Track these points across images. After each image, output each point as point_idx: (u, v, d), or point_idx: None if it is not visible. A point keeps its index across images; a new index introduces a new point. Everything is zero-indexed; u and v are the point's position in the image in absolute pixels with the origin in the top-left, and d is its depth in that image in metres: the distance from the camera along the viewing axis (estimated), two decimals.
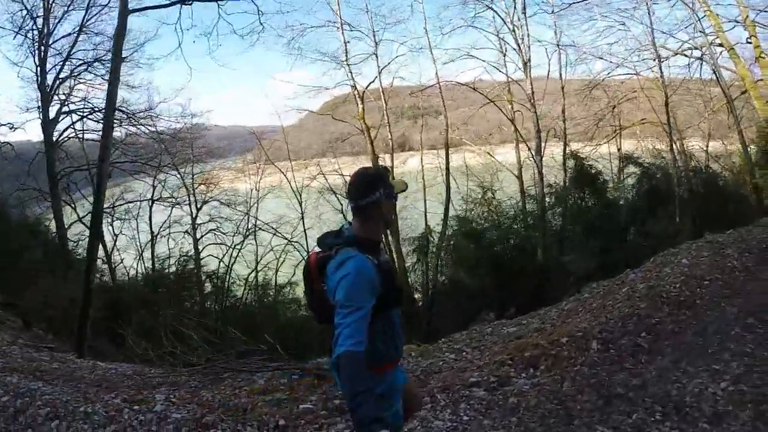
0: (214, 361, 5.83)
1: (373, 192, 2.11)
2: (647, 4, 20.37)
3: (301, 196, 21.72)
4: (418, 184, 20.67)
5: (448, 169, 20.70)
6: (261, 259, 20.52)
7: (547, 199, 18.03)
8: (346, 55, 20.33)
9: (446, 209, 19.71)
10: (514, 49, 20.46)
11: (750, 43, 19.02)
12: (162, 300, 14.27)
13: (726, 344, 5.71)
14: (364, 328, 1.83)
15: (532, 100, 19.44)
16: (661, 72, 19.34)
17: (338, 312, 1.88)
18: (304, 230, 20.92)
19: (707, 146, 20.83)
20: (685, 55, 21.03)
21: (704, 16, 19.42)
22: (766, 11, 18.79)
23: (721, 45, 19.64)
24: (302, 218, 21.37)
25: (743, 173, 18.19)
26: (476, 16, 20.68)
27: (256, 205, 22.20)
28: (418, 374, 5.61)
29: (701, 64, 20.01)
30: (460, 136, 23.72)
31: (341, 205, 20.40)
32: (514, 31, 20.03)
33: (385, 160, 21.01)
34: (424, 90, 22.78)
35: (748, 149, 18.89)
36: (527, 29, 20.00)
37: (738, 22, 19.42)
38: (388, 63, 21.19)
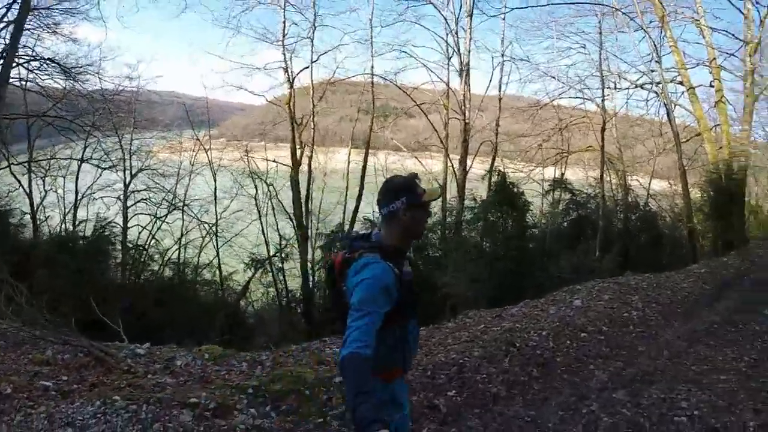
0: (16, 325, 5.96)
1: (393, 201, 2.19)
2: (614, 32, 20.33)
3: (215, 177, 20.50)
4: (341, 181, 20.38)
5: (364, 169, 19.60)
6: (184, 236, 19.47)
7: (467, 215, 16.92)
8: (283, 36, 18.88)
9: (355, 211, 18.81)
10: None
11: (713, 86, 18.60)
12: (69, 264, 13.84)
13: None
14: (372, 332, 1.87)
15: (462, 107, 18.27)
16: (603, 100, 19.12)
17: (351, 314, 1.93)
18: (216, 213, 19.76)
19: (649, 183, 20.25)
20: (643, 88, 20.59)
21: (669, 52, 19.04)
22: (735, 55, 18.36)
23: (681, 83, 19.26)
24: (215, 200, 20.04)
25: (683, 217, 16.86)
26: (410, 8, 19.82)
27: (188, 179, 20.97)
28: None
29: (659, 100, 19.54)
30: (391, 137, 22.46)
31: (255, 190, 19.68)
32: (456, 33, 18.73)
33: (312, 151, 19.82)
34: (355, 83, 21.58)
35: (691, 193, 18.66)
36: (469, 33, 18.80)
37: (704, 63, 18.97)
38: (327, 51, 20.01)
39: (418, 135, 23.61)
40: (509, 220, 15.20)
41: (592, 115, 21.06)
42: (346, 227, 18.12)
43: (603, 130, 18.31)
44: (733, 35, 18.00)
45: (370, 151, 20.58)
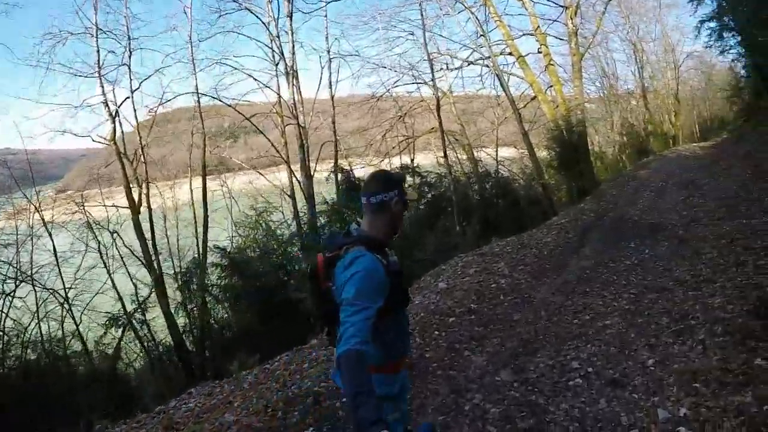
0: None
1: (388, 191, 2.18)
2: (439, 16, 20.44)
3: (52, 238, 17.20)
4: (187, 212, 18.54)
5: (204, 196, 17.70)
6: (40, 309, 16.08)
7: (322, 220, 15.95)
8: (99, 67, 16.36)
9: (204, 241, 16.95)
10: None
11: (540, 53, 19.45)
12: None
13: None
14: (369, 328, 1.83)
15: (294, 112, 17.07)
16: (434, 81, 18.65)
17: (344, 309, 1.88)
18: (62, 278, 16.52)
19: (497, 152, 20.42)
20: (475, 64, 21.13)
21: (495, 27, 19.65)
22: (558, 21, 19.36)
23: (510, 54, 19.85)
24: (57, 264, 16.75)
25: (534, 175, 17.21)
26: (222, 16, 17.98)
27: (31, 245, 17.29)
28: None
29: (492, 74, 19.95)
30: (229, 157, 21.13)
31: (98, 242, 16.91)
32: (279, 36, 17.44)
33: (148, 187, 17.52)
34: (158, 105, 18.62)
35: (537, 153, 19.24)
36: (292, 35, 17.58)
37: (529, 33, 19.84)
38: (149, 76, 17.86)
39: (270, 150, 22.02)
40: (359, 217, 14.07)
41: (430, 98, 20.97)
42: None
43: (438, 109, 18.00)
44: (554, 2, 19.04)
45: (222, 175, 19.46)
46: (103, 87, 16.29)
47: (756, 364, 4.32)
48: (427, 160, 21.59)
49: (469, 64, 21.14)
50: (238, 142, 25.73)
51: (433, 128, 20.13)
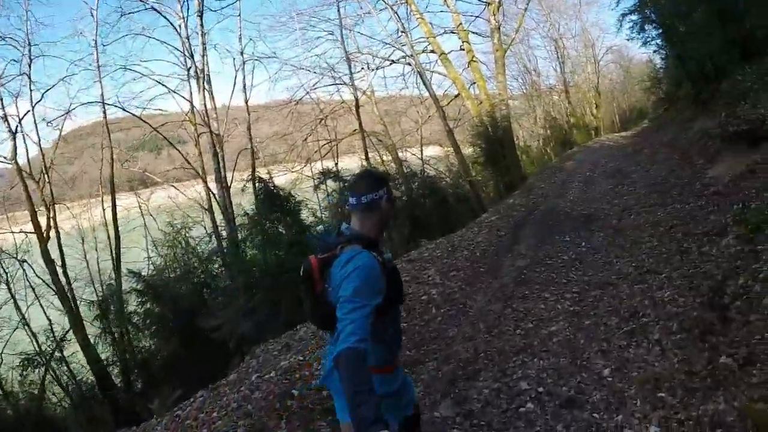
0: None
1: (377, 190, 2.16)
2: (360, 15, 20.02)
3: None
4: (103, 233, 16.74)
5: (114, 212, 16.28)
6: None
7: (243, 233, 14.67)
8: None
9: (117, 261, 15.59)
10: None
11: (463, 50, 19.29)
12: None
13: None
14: (368, 326, 1.81)
15: (206, 118, 15.91)
16: (352, 81, 17.79)
17: (342, 306, 1.86)
18: None
19: (421, 151, 20.14)
20: (397, 62, 20.72)
21: (417, 25, 19.37)
22: (481, 17, 19.35)
23: (433, 52, 19.59)
24: None
25: (461, 172, 16.85)
26: (124, 16, 16.53)
27: None
28: None
29: (415, 72, 19.63)
30: (143, 169, 19.56)
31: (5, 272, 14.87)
32: (189, 38, 16.17)
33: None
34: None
35: (463, 150, 19.16)
36: (202, 35, 16.32)
37: (451, 30, 19.72)
38: (53, 86, 16.79)
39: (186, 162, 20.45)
40: (281, 227, 13.21)
41: (351, 100, 20.35)
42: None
43: (357, 110, 17.42)
44: None
45: (138, 191, 18.30)
46: (1, 100, 14.62)
47: (722, 362, 3.83)
48: (353, 163, 20.92)
49: (391, 63, 20.68)
50: (162, 155, 24.52)
51: (355, 130, 19.41)
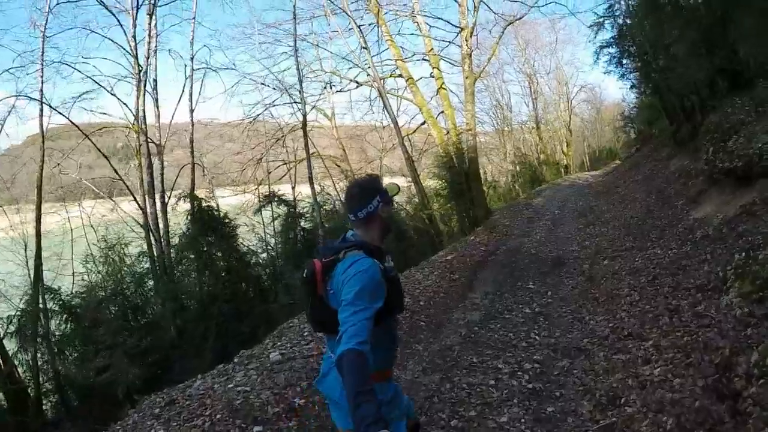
0: None
1: (370, 200, 2.14)
2: (331, 34, 18.89)
3: None
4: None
5: (38, 219, 13.63)
6: None
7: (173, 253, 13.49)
8: None
9: (36, 280, 12.93)
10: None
11: (432, 76, 18.10)
12: None
13: None
14: (369, 328, 1.79)
15: (143, 126, 14.11)
16: (302, 95, 15.99)
17: (344, 309, 1.84)
18: None
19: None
20: (359, 83, 19.21)
21: (386, 48, 18.20)
22: (453, 43, 18.11)
23: (401, 76, 18.28)
24: None
25: (421, 206, 15.52)
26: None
27: None
28: None
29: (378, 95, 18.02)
30: (79, 178, 16.72)
31: None
32: (135, 37, 14.19)
33: None
34: None
35: (426, 181, 18.00)
36: (149, 35, 14.30)
37: (423, 57, 18.49)
38: None
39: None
40: (216, 251, 11.65)
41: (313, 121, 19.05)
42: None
43: (305, 129, 15.57)
44: (449, 22, 17.80)
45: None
46: None
47: None
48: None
49: (357, 86, 19.35)
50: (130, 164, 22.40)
51: (313, 153, 17.89)
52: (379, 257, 2.07)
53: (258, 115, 18.05)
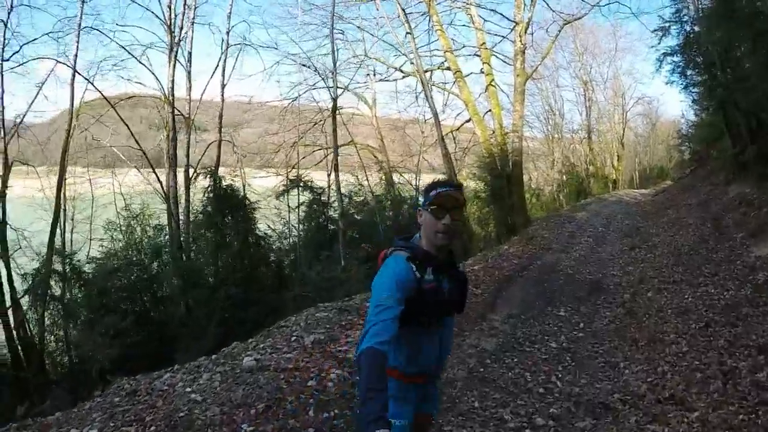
0: None
1: (420, 205, 2.10)
2: (379, 20, 17.86)
3: None
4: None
5: (60, 183, 13.55)
6: None
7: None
8: None
9: (51, 236, 12.86)
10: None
11: (482, 72, 16.93)
12: None
13: None
14: (391, 328, 1.77)
15: (168, 96, 13.55)
16: (335, 78, 15.05)
17: (371, 307, 1.87)
18: None
19: (417, 177, 17.84)
20: (402, 71, 18.58)
21: (436, 39, 17.06)
22: (507, 38, 16.97)
23: (449, 69, 17.15)
24: None
25: None
26: None
27: None
28: None
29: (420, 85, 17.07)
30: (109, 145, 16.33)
31: None
32: (171, 6, 13.73)
33: None
34: None
35: (466, 180, 16.88)
36: (185, 9, 13.81)
37: (475, 52, 17.42)
38: (32, 40, 13.13)
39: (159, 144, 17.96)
40: (232, 232, 11.10)
41: (356, 108, 18.51)
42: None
43: (334, 114, 14.55)
44: (504, 16, 16.65)
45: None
46: None
47: None
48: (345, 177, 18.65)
49: (403, 76, 18.58)
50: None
51: (351, 142, 17.16)
52: (425, 264, 1.98)
53: (295, 98, 17.27)
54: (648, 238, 11.22)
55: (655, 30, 14.42)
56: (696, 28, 13.08)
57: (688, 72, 13.82)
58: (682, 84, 14.39)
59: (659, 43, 14.49)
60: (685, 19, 13.62)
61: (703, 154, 20.08)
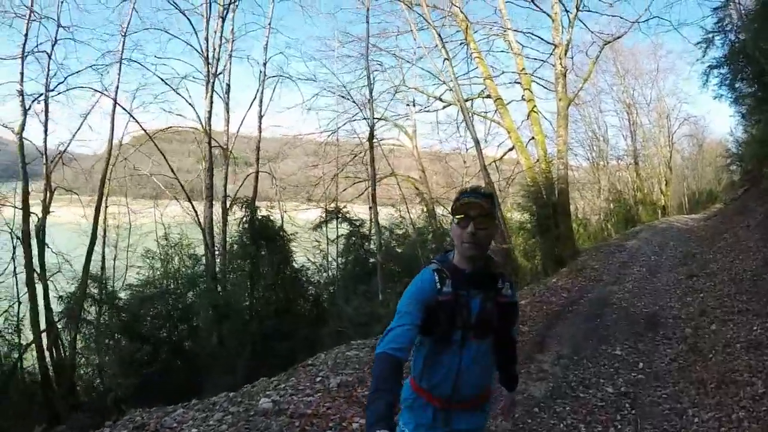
0: None
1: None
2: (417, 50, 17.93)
3: None
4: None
5: (97, 210, 13.73)
6: None
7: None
8: (24, 53, 12.56)
9: (87, 261, 12.79)
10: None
11: (524, 99, 16.48)
12: None
13: None
14: (407, 337, 1.77)
15: (205, 126, 13.56)
16: (371, 106, 14.59)
17: (395, 315, 1.86)
18: None
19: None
20: (442, 100, 18.20)
21: (475, 68, 16.81)
22: (547, 62, 16.51)
23: (489, 96, 16.74)
24: None
25: (500, 239, 14.16)
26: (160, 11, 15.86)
27: None
28: None
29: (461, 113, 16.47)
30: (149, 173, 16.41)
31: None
32: (208, 39, 13.94)
33: None
34: None
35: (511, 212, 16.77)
36: (220, 38, 13.98)
37: (513, 72, 17.10)
38: (76, 72, 13.82)
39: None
40: (267, 264, 10.88)
41: (397, 140, 18.34)
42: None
43: (371, 142, 14.28)
44: (542, 39, 16.33)
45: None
46: (21, 75, 12.68)
47: None
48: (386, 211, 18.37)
49: (444, 106, 18.31)
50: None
51: (392, 173, 16.94)
52: (454, 277, 1.93)
53: (335, 131, 17.27)
54: (705, 265, 10.47)
55: (698, 42, 13.79)
56: (741, 36, 12.39)
57: (737, 84, 13.08)
58: (731, 98, 13.66)
59: (704, 56, 13.81)
60: (728, 28, 12.98)
61: (755, 173, 19.07)
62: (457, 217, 1.92)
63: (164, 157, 13.37)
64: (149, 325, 11.15)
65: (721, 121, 65.56)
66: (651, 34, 26.69)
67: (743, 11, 12.21)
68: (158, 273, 12.96)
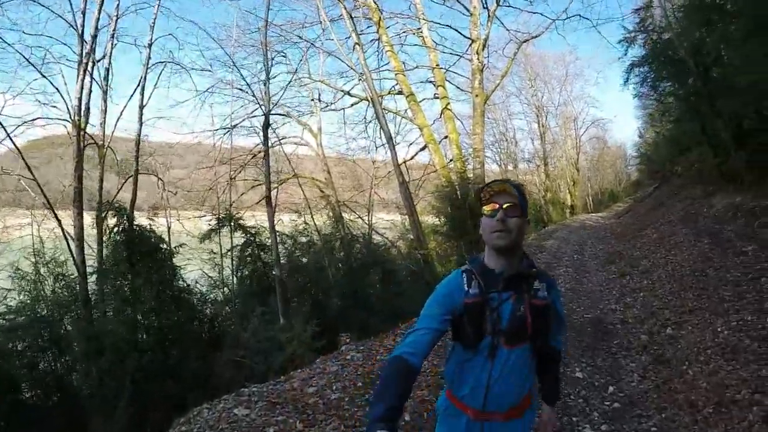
0: None
1: None
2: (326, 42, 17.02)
3: None
4: None
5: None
6: None
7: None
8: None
9: None
10: None
11: (437, 97, 15.86)
12: None
13: None
14: (424, 342, 1.67)
15: (75, 117, 11.07)
16: (267, 92, 12.43)
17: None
18: None
19: (369, 212, 15.80)
20: (350, 95, 17.03)
21: (387, 63, 15.94)
22: (463, 56, 16.07)
23: (401, 92, 15.89)
24: None
25: (416, 243, 13.29)
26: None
27: None
28: None
29: (371, 106, 15.34)
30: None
31: None
32: (84, 12, 11.54)
33: None
34: None
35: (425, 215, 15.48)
36: (99, 14, 11.55)
37: (429, 76, 16.30)
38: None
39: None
40: (143, 283, 9.09)
41: (300, 138, 16.93)
42: None
43: (266, 132, 12.14)
44: (458, 31, 15.79)
45: None
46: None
47: None
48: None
49: (353, 104, 17.05)
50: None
51: (294, 175, 15.29)
52: (483, 278, 1.74)
53: (231, 128, 15.28)
54: (635, 263, 9.88)
55: (620, 41, 13.49)
56: (665, 36, 12.20)
57: (658, 83, 12.91)
58: (652, 96, 13.45)
59: (626, 54, 13.55)
60: (650, 28, 12.79)
61: (665, 171, 19.54)
62: (485, 208, 1.75)
63: (20, 155, 10.59)
64: (20, 362, 9.00)
65: (626, 124, 69.88)
66: (568, 34, 27.80)
67: (669, 10, 12.00)
68: (27, 298, 10.70)
